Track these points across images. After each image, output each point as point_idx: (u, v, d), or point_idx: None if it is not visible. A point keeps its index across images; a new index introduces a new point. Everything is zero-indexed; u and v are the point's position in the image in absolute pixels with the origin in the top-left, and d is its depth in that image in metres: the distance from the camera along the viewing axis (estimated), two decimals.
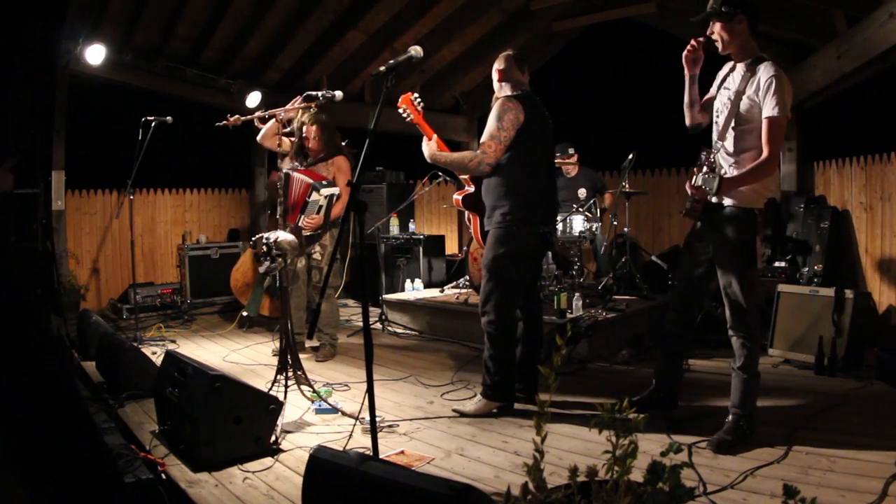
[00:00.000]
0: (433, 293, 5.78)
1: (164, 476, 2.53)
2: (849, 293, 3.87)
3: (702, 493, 2.24)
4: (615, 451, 1.40)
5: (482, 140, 3.17)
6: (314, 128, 4.28)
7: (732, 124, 2.68)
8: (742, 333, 2.74)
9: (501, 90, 3.30)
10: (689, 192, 2.77)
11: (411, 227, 6.49)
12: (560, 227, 5.34)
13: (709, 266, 2.87)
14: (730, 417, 2.77)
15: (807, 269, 4.79)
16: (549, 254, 5.33)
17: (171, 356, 3.03)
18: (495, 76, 3.32)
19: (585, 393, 3.54)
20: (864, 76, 4.66)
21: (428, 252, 6.39)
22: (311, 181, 3.95)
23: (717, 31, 2.70)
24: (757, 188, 2.71)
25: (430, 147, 3.30)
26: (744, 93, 2.64)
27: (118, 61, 5.84)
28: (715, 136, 2.81)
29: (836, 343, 3.78)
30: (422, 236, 6.28)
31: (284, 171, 4.04)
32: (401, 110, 3.32)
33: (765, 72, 2.62)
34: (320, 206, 4.00)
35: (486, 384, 3.23)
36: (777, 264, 4.74)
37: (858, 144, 4.93)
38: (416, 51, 2.56)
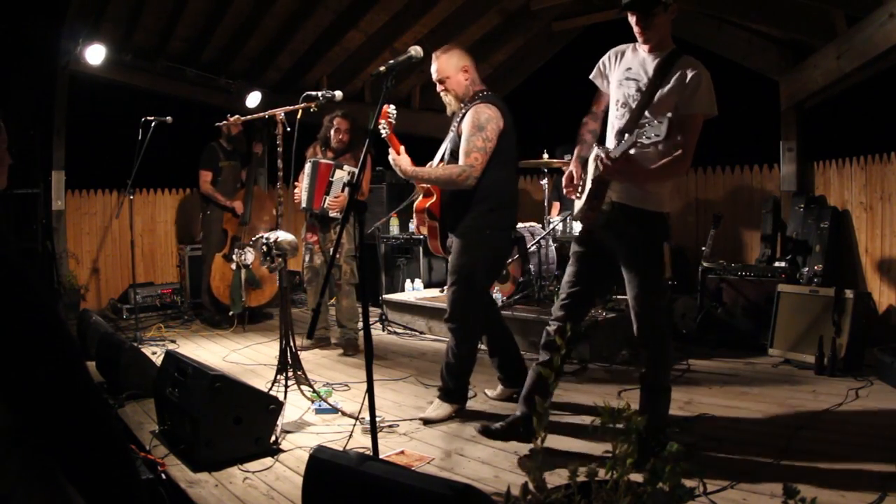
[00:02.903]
0: (433, 293, 5.78)
1: (164, 476, 2.53)
2: (849, 293, 3.87)
3: (702, 493, 2.24)
4: (615, 451, 1.40)
5: (467, 152, 3.00)
6: (346, 121, 4.54)
7: (643, 119, 2.44)
8: (655, 348, 2.61)
9: (470, 89, 3.11)
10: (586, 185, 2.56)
11: (411, 227, 6.48)
12: (560, 227, 5.34)
13: (607, 273, 2.72)
14: None
15: (807, 269, 4.79)
16: (551, 253, 5.33)
17: (170, 356, 3.03)
18: (462, 75, 3.09)
19: (585, 393, 3.53)
20: (864, 76, 4.66)
21: (428, 252, 6.36)
22: (332, 162, 4.28)
23: (649, 33, 2.45)
24: (663, 192, 2.61)
25: (403, 162, 3.11)
26: (660, 86, 2.44)
27: (118, 61, 5.84)
28: (617, 128, 2.56)
29: (836, 343, 3.78)
30: (422, 236, 6.26)
31: (311, 160, 4.37)
32: (381, 126, 3.13)
33: (690, 67, 2.42)
34: (345, 184, 4.16)
35: (448, 389, 3.24)
36: (777, 264, 4.73)
37: (858, 144, 4.92)
38: (416, 51, 2.56)
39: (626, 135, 2.37)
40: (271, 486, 2.49)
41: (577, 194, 2.67)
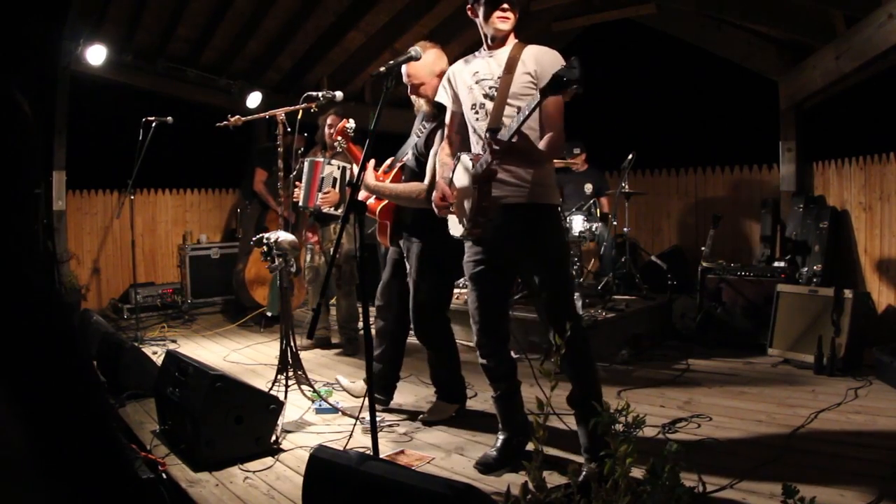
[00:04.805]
0: None
1: (164, 476, 2.54)
2: (848, 293, 3.88)
3: (702, 493, 2.25)
4: (615, 451, 1.41)
5: (431, 169, 2.93)
6: (339, 119, 4.50)
7: (508, 108, 2.38)
8: (579, 356, 2.41)
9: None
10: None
11: None
12: None
13: (506, 281, 2.61)
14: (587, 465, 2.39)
15: (806, 269, 4.80)
16: None
17: (171, 356, 3.04)
18: (436, 80, 2.93)
19: None
20: (863, 76, 4.66)
21: None
22: (320, 159, 4.25)
23: (513, 19, 2.44)
24: (550, 183, 2.48)
25: (367, 176, 3.05)
26: (514, 71, 2.38)
27: (119, 62, 5.85)
28: (480, 128, 2.45)
29: (835, 343, 3.78)
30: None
31: (307, 159, 4.38)
32: (338, 141, 3.30)
33: (542, 48, 2.41)
34: (335, 179, 4.18)
35: (444, 390, 3.29)
36: (776, 264, 4.74)
37: (858, 144, 4.93)
38: (416, 51, 2.57)
39: (502, 128, 2.24)
40: (272, 485, 2.50)
41: (452, 212, 2.52)
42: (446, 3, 5.98)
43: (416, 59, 2.65)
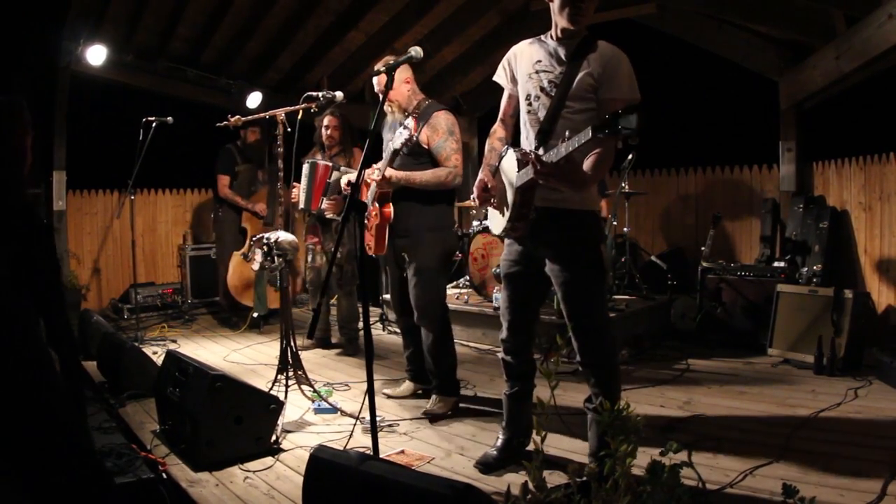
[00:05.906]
0: None
1: (164, 475, 2.55)
2: (848, 293, 3.88)
3: (702, 493, 2.24)
4: (615, 451, 1.41)
5: (447, 156, 3.16)
6: (335, 119, 4.59)
7: (565, 109, 2.26)
8: (601, 361, 2.36)
9: (412, 99, 3.25)
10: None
11: None
12: None
13: (540, 285, 2.48)
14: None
15: (806, 269, 4.80)
16: None
17: (171, 356, 3.04)
18: (404, 86, 3.21)
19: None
20: (863, 76, 4.66)
21: None
22: (330, 163, 4.31)
23: (588, 14, 2.24)
24: (592, 189, 2.38)
25: (387, 170, 3.18)
26: (577, 71, 2.23)
27: (119, 62, 5.84)
28: (533, 125, 2.36)
29: (835, 343, 3.78)
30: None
31: (309, 161, 4.40)
32: (388, 107, 3.33)
33: (608, 50, 2.24)
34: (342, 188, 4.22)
35: (444, 384, 3.34)
36: (776, 264, 4.74)
37: (858, 144, 4.93)
38: (416, 51, 2.57)
39: (554, 132, 2.12)
40: (272, 485, 2.50)
41: (493, 205, 2.47)
42: (446, 2, 5.98)
43: (417, 58, 2.65)
